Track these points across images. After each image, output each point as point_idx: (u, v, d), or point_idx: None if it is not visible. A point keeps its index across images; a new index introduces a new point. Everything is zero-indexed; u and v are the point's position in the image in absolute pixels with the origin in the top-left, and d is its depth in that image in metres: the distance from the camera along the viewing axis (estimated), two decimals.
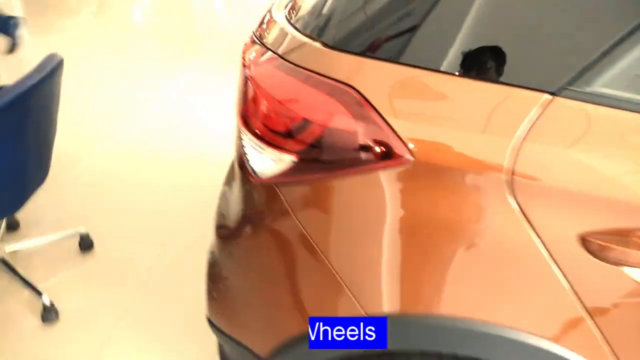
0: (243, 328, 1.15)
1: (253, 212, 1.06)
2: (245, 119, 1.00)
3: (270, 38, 1.07)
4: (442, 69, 0.84)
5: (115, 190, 2.68)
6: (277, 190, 0.97)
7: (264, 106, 0.95)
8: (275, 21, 1.11)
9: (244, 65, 1.05)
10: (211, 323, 1.22)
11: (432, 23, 0.85)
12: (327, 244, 0.96)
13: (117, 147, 3.11)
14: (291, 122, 0.90)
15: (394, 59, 0.87)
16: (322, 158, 0.90)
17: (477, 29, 0.83)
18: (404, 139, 0.84)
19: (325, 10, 1.00)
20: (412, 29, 0.87)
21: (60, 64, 1.69)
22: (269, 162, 0.96)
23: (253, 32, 1.22)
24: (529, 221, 0.83)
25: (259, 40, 1.08)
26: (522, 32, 0.82)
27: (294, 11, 1.11)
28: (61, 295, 2.02)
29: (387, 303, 0.94)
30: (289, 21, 1.07)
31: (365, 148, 0.86)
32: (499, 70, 0.83)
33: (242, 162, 1.04)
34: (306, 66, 0.92)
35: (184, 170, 2.85)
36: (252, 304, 1.11)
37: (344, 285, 0.96)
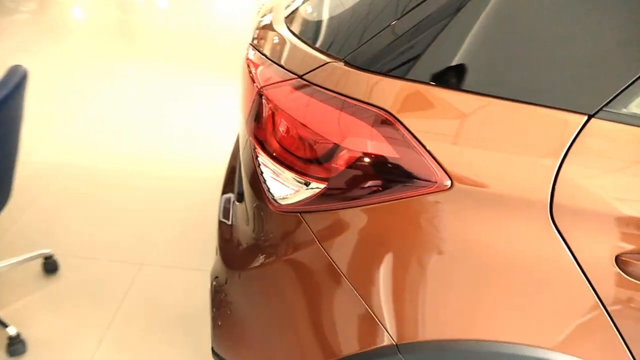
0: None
1: (271, 241, 1.00)
2: (263, 143, 0.94)
3: (281, 55, 1.02)
4: (478, 90, 0.82)
5: (78, 207, 2.52)
6: (302, 219, 0.92)
7: (287, 131, 0.89)
8: (279, 34, 1.05)
9: (258, 85, 0.98)
10: (216, 354, 1.15)
11: (466, 43, 0.83)
12: (356, 273, 0.92)
13: (78, 160, 2.92)
14: (321, 148, 0.86)
15: (427, 81, 0.84)
16: (353, 185, 0.86)
17: (514, 51, 0.81)
18: (442, 163, 0.82)
19: (348, 27, 0.96)
20: (445, 50, 0.84)
21: (24, 78, 1.55)
22: (292, 189, 0.91)
23: (253, 45, 1.16)
24: (567, 244, 0.82)
25: (269, 57, 1.03)
26: (559, 54, 0.81)
27: (302, 25, 1.06)
28: (27, 323, 1.88)
29: (423, 331, 0.91)
30: (298, 36, 1.02)
31: (401, 174, 0.83)
32: (537, 92, 0.82)
33: (257, 186, 0.98)
34: (333, 89, 0.88)
35: (151, 184, 2.73)
36: (267, 337, 1.05)
37: (374, 316, 0.93)
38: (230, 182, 1.36)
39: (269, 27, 1.20)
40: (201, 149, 3.04)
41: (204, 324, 1.91)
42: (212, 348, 1.16)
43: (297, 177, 0.89)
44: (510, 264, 0.86)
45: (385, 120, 0.83)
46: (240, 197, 1.19)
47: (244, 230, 1.07)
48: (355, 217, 0.88)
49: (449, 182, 0.82)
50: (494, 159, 0.82)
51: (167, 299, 2.01)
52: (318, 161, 0.86)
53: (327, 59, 0.92)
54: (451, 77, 0.83)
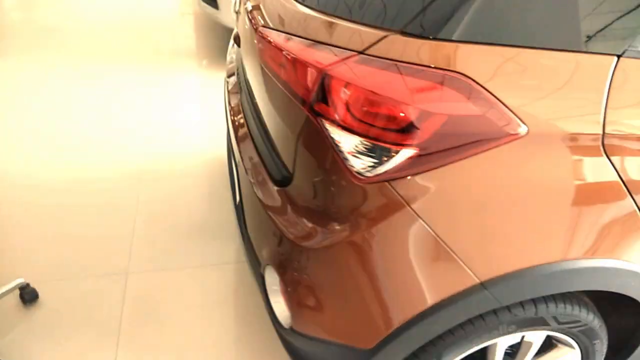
0: (344, 328, 1.15)
1: (349, 212, 1.04)
2: (339, 121, 0.97)
3: (319, 33, 1.05)
4: (534, 45, 0.92)
5: (38, 226, 2.31)
6: (390, 187, 0.98)
7: (370, 105, 0.93)
8: (302, 12, 1.11)
9: (318, 66, 1.01)
10: (299, 334, 1.19)
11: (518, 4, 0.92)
12: (444, 226, 1.01)
13: (34, 174, 2.65)
14: (408, 117, 0.91)
15: (493, 42, 0.92)
16: (443, 147, 0.93)
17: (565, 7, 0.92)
18: (518, 114, 0.92)
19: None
20: (507, 9, 0.92)
21: None
22: (378, 160, 0.96)
23: (266, 27, 1.17)
24: (615, 168, 0.98)
25: (306, 37, 1.06)
26: (589, 10, 0.94)
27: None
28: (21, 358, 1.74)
29: (504, 265, 1.03)
30: (326, 12, 1.06)
31: (487, 129, 0.92)
32: (577, 42, 0.94)
33: (326, 163, 1.02)
34: (401, 59, 0.93)
35: (109, 188, 2.57)
36: (359, 301, 1.11)
37: (460, 261, 1.02)
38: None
39: (279, 6, 1.21)
40: (157, 146, 2.90)
41: (217, 315, 1.90)
42: (292, 328, 1.19)
43: (387, 148, 0.94)
44: (573, 192, 1.00)
45: (465, 83, 0.91)
46: (284, 181, 1.22)
47: (321, 208, 1.10)
48: (443, 175, 0.96)
49: (525, 130, 0.93)
50: (557, 105, 0.94)
51: (167, 304, 1.96)
52: (407, 129, 0.92)
53: (383, 32, 0.97)
54: (511, 36, 0.93)
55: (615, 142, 0.99)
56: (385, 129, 0.94)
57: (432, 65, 0.92)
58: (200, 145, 2.89)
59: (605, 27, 0.95)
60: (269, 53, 1.19)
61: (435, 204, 0.99)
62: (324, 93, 1.00)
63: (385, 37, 0.97)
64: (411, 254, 1.03)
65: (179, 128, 3.04)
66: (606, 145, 0.98)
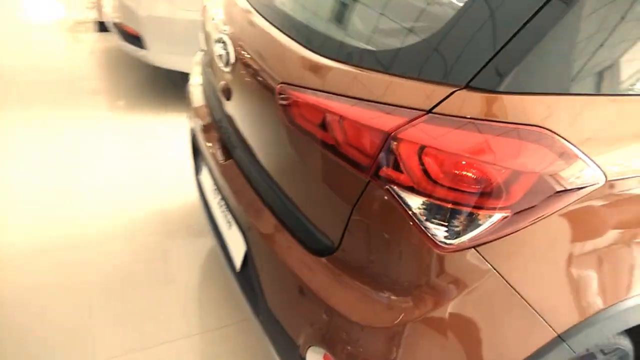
0: None
1: (438, 284, 0.95)
2: (418, 187, 0.89)
3: (372, 92, 0.96)
4: (605, 92, 0.92)
5: None
6: (477, 253, 0.91)
7: (453, 168, 0.86)
8: (326, 65, 1.04)
9: (383, 130, 0.91)
10: None
11: (589, 51, 0.91)
12: (528, 284, 0.96)
13: None
14: (497, 178, 0.85)
15: (567, 92, 0.90)
16: (531, 205, 0.88)
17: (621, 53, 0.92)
18: (598, 164, 0.90)
19: (449, 49, 0.94)
20: (580, 59, 0.90)
21: None
22: (465, 226, 0.89)
23: (289, 83, 1.07)
24: None
25: (355, 97, 0.97)
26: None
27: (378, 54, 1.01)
28: None
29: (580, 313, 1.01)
30: (365, 66, 0.99)
31: (573, 183, 0.89)
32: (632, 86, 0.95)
33: (405, 233, 0.93)
34: (476, 116, 0.87)
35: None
36: None
37: (543, 319, 0.98)
38: None
39: (297, 59, 1.11)
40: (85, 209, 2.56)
41: None
42: None
43: (475, 213, 0.87)
44: None
45: (548, 136, 0.87)
46: (325, 249, 1.10)
47: (365, 280, 1.00)
48: (531, 234, 0.91)
49: (604, 179, 0.91)
50: (629, 151, 0.94)
51: None
52: (497, 191, 0.86)
53: (447, 88, 0.90)
54: (587, 85, 0.91)
55: None
56: (471, 193, 0.86)
57: (512, 121, 0.86)
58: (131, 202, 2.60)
59: None
60: (302, 114, 1.06)
61: (522, 264, 0.94)
62: (392, 158, 0.91)
63: (452, 93, 0.90)
64: (498, 320, 0.97)
65: (103, 185, 2.73)
66: None
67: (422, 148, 0.87)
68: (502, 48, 0.88)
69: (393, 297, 0.99)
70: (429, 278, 0.94)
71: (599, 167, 0.91)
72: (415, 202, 0.90)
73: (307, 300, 1.12)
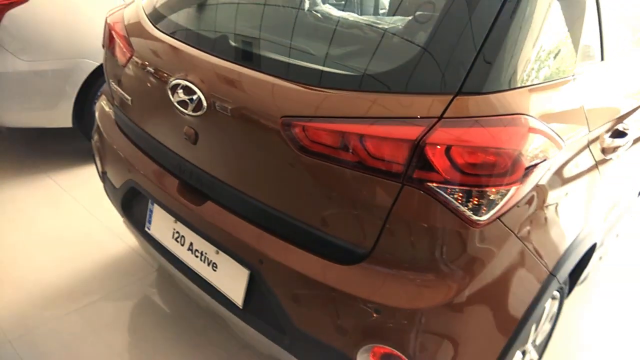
0: None
1: (477, 255, 1.14)
2: (452, 180, 1.07)
3: (382, 109, 1.13)
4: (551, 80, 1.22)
5: None
6: (501, 222, 1.13)
7: (479, 158, 1.06)
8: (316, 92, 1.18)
9: (404, 139, 1.08)
10: None
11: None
12: (531, 239, 1.22)
13: None
14: (511, 159, 1.08)
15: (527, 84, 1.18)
16: (532, 174, 1.13)
17: None
18: (559, 134, 1.20)
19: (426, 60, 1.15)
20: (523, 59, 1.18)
21: None
22: (493, 202, 1.10)
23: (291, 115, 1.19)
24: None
25: (370, 116, 1.13)
26: None
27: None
28: None
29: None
30: (388, 90, 1.16)
31: (549, 148, 1.17)
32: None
33: (444, 221, 1.11)
34: (477, 114, 1.09)
35: None
36: (475, 339, 1.23)
37: (540, 262, 1.26)
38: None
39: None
40: None
41: None
42: None
43: (500, 190, 1.09)
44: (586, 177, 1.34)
45: (531, 120, 1.13)
46: (355, 257, 1.23)
47: (408, 272, 1.17)
48: (534, 196, 1.17)
49: (562, 143, 1.22)
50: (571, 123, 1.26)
51: None
52: (511, 169, 1.08)
53: (446, 97, 1.11)
54: (540, 76, 1.19)
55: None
56: (492, 175, 1.08)
57: (501, 113, 1.10)
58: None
59: None
60: (315, 141, 1.16)
61: (526, 222, 1.19)
62: (423, 161, 1.08)
63: (452, 100, 1.10)
64: (516, 274, 1.21)
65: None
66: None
67: (449, 147, 1.06)
68: (475, 59, 1.11)
69: (439, 277, 1.16)
70: (469, 252, 1.13)
71: (559, 136, 1.20)
72: (450, 192, 1.08)
73: (347, 305, 1.23)
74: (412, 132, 1.08)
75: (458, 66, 1.12)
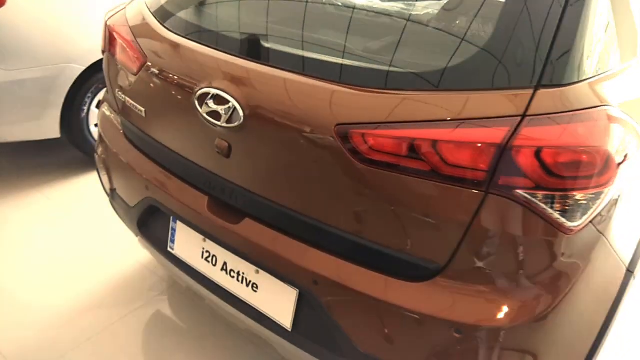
0: None
1: (570, 262, 1.05)
2: (544, 185, 0.97)
3: (460, 111, 1.01)
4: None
5: None
6: (593, 226, 1.04)
7: (573, 159, 0.95)
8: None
9: (487, 142, 0.97)
10: None
11: None
12: (613, 237, 1.14)
13: None
14: (601, 158, 0.98)
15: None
16: (618, 172, 1.04)
17: None
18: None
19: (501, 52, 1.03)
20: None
21: None
22: (588, 206, 1.00)
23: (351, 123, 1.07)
24: None
25: (447, 118, 1.01)
26: None
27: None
28: None
29: None
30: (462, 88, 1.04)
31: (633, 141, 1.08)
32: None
33: (533, 229, 1.01)
34: (562, 110, 0.99)
35: None
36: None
37: (619, 258, 1.18)
38: None
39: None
40: None
41: None
42: None
43: (596, 192, 0.99)
44: None
45: (617, 110, 1.03)
46: (427, 273, 1.12)
47: (491, 286, 1.07)
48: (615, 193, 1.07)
49: None
50: None
51: None
52: (605, 168, 0.98)
53: (525, 91, 1.00)
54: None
55: None
56: (587, 176, 0.98)
57: (590, 106, 1.00)
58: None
59: None
60: (379, 150, 1.04)
61: (610, 222, 1.10)
62: (510, 165, 0.97)
63: (534, 95, 0.99)
64: (601, 276, 1.12)
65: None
66: None
67: (540, 149, 0.95)
68: (551, 46, 1.00)
69: (526, 290, 1.06)
70: (559, 262, 1.04)
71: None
72: (541, 199, 0.97)
73: (421, 326, 1.13)
74: (495, 134, 0.97)
75: (535, 55, 1.01)
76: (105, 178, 1.87)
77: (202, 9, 1.55)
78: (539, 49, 1.01)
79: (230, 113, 1.23)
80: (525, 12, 1.03)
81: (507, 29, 1.04)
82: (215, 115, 1.27)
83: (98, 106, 2.95)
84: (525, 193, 0.97)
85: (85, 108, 2.86)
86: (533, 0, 1.03)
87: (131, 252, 2.40)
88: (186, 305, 2.15)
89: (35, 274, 2.27)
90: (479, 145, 0.97)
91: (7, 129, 2.73)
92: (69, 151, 3.19)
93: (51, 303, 2.10)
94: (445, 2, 1.20)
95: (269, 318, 1.42)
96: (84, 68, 2.75)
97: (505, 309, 1.06)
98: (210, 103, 1.26)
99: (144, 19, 1.56)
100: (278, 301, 1.38)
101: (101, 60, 2.79)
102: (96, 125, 2.97)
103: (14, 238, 2.50)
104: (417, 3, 1.26)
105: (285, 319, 1.37)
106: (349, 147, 1.08)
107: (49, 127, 2.80)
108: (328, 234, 1.22)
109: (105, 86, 2.80)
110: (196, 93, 1.30)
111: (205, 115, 1.29)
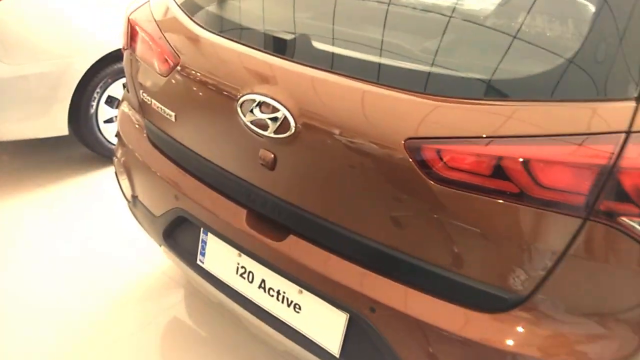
0: None
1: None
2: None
3: (546, 125, 0.89)
4: None
5: None
6: None
7: None
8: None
9: (590, 163, 0.85)
10: None
11: None
12: None
13: None
14: None
15: None
16: None
17: None
18: None
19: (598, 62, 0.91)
20: None
21: None
22: None
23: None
24: None
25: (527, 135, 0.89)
26: None
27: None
28: None
29: None
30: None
31: None
32: None
33: (635, 261, 0.90)
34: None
35: None
36: None
37: None
38: None
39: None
40: None
41: None
42: None
43: None
44: None
45: None
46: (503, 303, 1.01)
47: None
48: None
49: None
50: None
51: None
52: None
53: (625, 103, 0.88)
54: None
55: None
56: None
57: None
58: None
59: None
60: (457, 168, 0.93)
61: None
62: (615, 189, 0.85)
63: (637, 107, 0.87)
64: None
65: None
66: None
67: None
68: None
69: (622, 325, 0.95)
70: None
71: None
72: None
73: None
74: (599, 153, 0.85)
75: (633, 61, 0.89)
76: (125, 183, 1.74)
77: (246, 5, 1.42)
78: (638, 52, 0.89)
79: (280, 123, 1.11)
80: (624, 12, 0.91)
81: (603, 32, 0.92)
82: (261, 124, 1.14)
83: (107, 102, 2.81)
84: (631, 221, 0.86)
85: (94, 104, 2.72)
86: None
87: (147, 255, 2.29)
88: (208, 313, 2.04)
89: (45, 279, 2.16)
90: (580, 165, 0.86)
91: (13, 126, 2.58)
92: (72, 147, 3.06)
93: (65, 310, 1.99)
94: (532, 5, 1.07)
95: (312, 342, 1.31)
96: (92, 62, 2.60)
97: (597, 347, 0.96)
98: (256, 111, 1.13)
99: (172, 13, 1.42)
100: (324, 325, 1.27)
101: (110, 53, 2.66)
102: (106, 121, 2.85)
103: (24, 239, 2.38)
104: (503, 5, 1.12)
105: (333, 345, 1.27)
106: (420, 164, 0.96)
107: (56, 124, 2.66)
108: (388, 257, 1.11)
109: (115, 80, 2.71)
110: (239, 99, 1.17)
111: (248, 123, 1.16)
